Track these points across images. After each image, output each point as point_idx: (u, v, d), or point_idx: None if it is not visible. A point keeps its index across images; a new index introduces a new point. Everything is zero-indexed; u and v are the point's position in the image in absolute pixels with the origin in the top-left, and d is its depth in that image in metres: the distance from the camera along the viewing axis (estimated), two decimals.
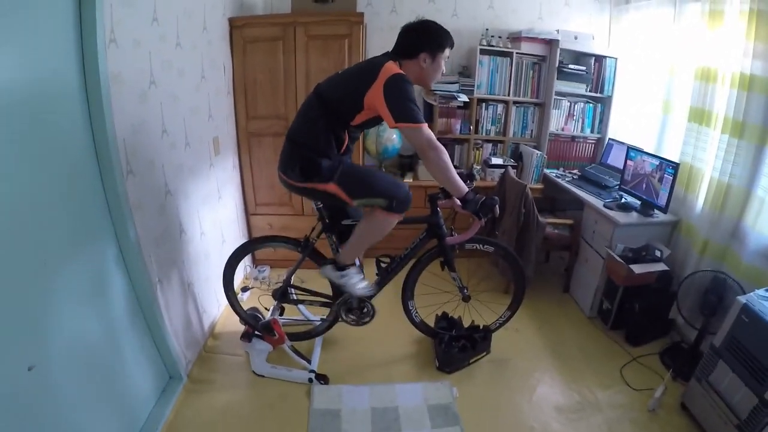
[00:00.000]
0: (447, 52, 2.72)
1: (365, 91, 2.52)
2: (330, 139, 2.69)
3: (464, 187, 2.66)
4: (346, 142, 2.79)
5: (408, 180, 4.74)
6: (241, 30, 4.02)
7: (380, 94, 2.46)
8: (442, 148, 2.56)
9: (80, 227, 2.23)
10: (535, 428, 2.95)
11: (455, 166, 2.75)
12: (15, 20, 1.78)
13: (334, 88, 2.70)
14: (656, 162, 3.74)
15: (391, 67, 2.51)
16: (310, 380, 3.19)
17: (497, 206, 2.71)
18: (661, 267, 3.56)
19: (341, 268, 3.10)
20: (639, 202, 3.90)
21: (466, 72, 4.98)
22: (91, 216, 2.32)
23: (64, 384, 2.09)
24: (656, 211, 3.78)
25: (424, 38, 2.65)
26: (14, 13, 1.77)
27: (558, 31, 4.78)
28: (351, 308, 3.29)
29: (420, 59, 2.65)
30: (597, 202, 4.02)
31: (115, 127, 2.32)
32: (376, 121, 2.74)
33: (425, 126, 2.51)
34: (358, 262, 3.20)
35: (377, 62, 2.58)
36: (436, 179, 2.66)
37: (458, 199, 2.72)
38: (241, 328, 3.42)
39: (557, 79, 4.80)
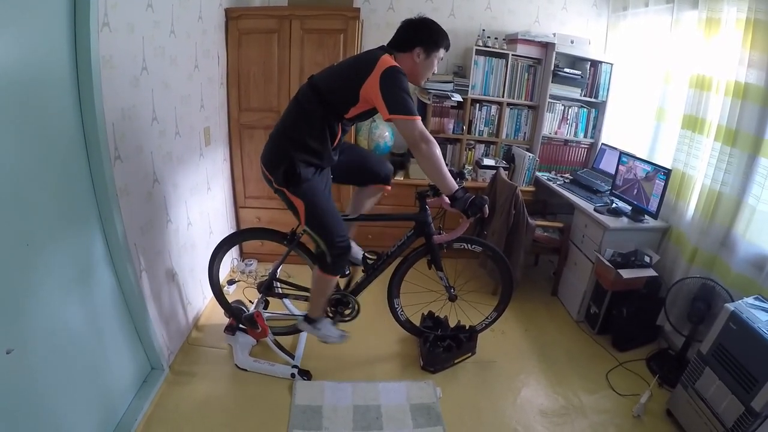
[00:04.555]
0: (441, 52, 2.71)
1: (361, 83, 2.50)
2: (324, 133, 2.66)
3: (454, 185, 2.64)
4: (339, 135, 2.77)
5: (399, 178, 4.71)
6: (236, 21, 3.99)
7: (376, 85, 2.44)
8: (435, 141, 2.54)
9: (65, 210, 2.19)
10: (519, 430, 2.94)
11: (446, 166, 2.73)
12: (9, 1, 1.74)
13: (329, 79, 2.67)
14: (648, 168, 3.73)
15: (388, 60, 2.49)
16: (293, 375, 3.17)
17: (486, 206, 2.68)
18: (649, 273, 3.56)
19: (313, 320, 3.17)
20: (629, 208, 3.90)
21: (461, 72, 4.97)
22: (76, 200, 2.28)
23: (43, 370, 2.05)
24: (647, 216, 3.78)
25: (421, 33, 2.64)
26: None
27: (554, 34, 4.77)
28: (336, 305, 3.26)
29: (414, 53, 2.63)
30: (587, 206, 4.01)
31: (104, 111, 2.29)
32: (369, 114, 2.73)
33: (419, 119, 2.49)
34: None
35: (374, 55, 2.55)
36: (427, 174, 2.64)
37: (447, 196, 2.69)
38: (225, 320, 3.40)
39: (552, 82, 4.80)
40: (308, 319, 3.17)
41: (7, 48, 1.76)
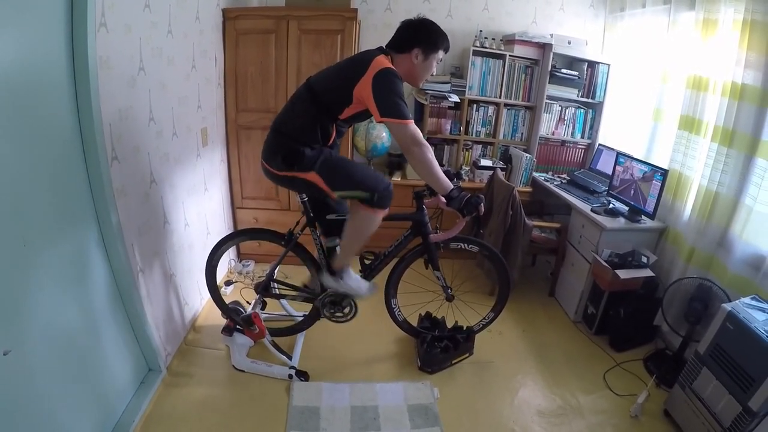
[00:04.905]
0: (440, 54, 2.71)
1: (354, 83, 2.50)
2: (316, 132, 2.66)
3: (449, 184, 2.64)
4: (333, 136, 2.76)
5: (396, 179, 4.72)
6: (234, 21, 3.99)
7: (368, 87, 2.44)
8: (427, 144, 2.53)
9: (63, 210, 2.19)
10: (516, 431, 2.94)
11: (443, 166, 2.73)
12: (5, 2, 1.74)
13: (324, 80, 2.67)
14: (645, 168, 3.74)
15: (382, 61, 2.49)
16: (290, 376, 3.16)
17: (482, 204, 2.69)
18: (647, 273, 3.57)
19: (338, 272, 3.08)
20: (626, 208, 3.91)
21: (458, 73, 4.98)
22: (73, 200, 2.27)
23: (40, 371, 2.04)
24: (644, 217, 3.79)
25: (420, 35, 2.64)
26: None
27: (552, 35, 4.77)
28: (333, 305, 3.25)
29: (412, 54, 2.63)
30: (585, 207, 4.02)
31: (101, 112, 2.28)
32: (365, 115, 2.72)
33: (411, 122, 2.48)
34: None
35: (368, 56, 2.55)
36: (420, 175, 2.64)
37: (443, 196, 2.70)
38: (223, 321, 3.40)
39: (549, 83, 4.81)
40: (332, 272, 3.09)
41: (4, 49, 1.76)
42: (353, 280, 3.12)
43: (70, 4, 2.07)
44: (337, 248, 3.11)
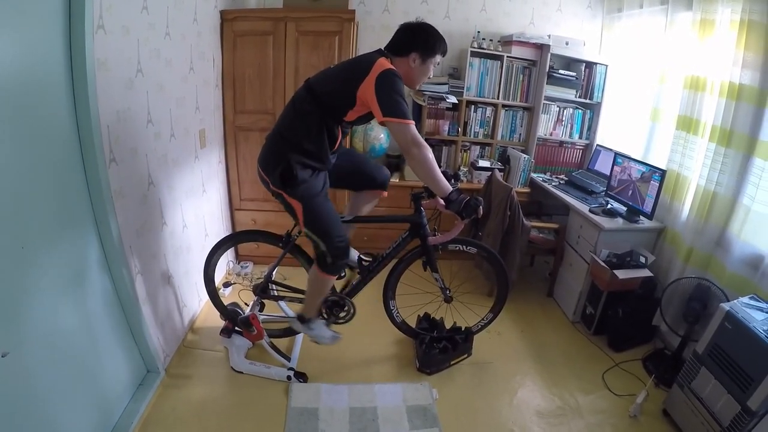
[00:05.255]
0: (438, 58, 2.71)
1: (358, 85, 2.49)
2: (322, 136, 2.65)
3: (448, 187, 2.63)
4: (339, 139, 2.76)
5: (394, 180, 4.71)
6: (232, 23, 3.99)
7: (372, 88, 2.44)
8: (427, 145, 2.53)
9: (60, 213, 2.19)
10: (515, 431, 2.94)
11: (440, 167, 2.73)
12: (3, 4, 1.74)
13: (325, 81, 2.66)
14: (643, 168, 3.74)
15: (384, 63, 2.49)
16: (289, 378, 3.16)
17: (481, 207, 2.68)
18: (645, 273, 3.57)
19: (306, 320, 3.16)
20: (625, 208, 3.91)
21: (456, 74, 4.97)
22: (72, 202, 2.27)
23: (38, 373, 2.04)
24: (642, 217, 3.79)
25: (418, 39, 2.63)
26: None
27: (549, 36, 4.78)
28: (331, 306, 3.25)
29: (410, 58, 2.63)
30: (583, 207, 4.02)
31: (99, 114, 2.28)
32: (370, 117, 2.71)
33: (412, 123, 2.47)
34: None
35: (370, 58, 2.56)
36: (420, 177, 2.63)
37: (442, 198, 2.69)
38: (221, 323, 3.40)
39: (547, 83, 4.80)
40: (301, 319, 3.16)
41: (2, 51, 1.75)
42: (318, 329, 3.20)
43: (67, 6, 2.07)
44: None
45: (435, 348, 3.37)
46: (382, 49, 2.70)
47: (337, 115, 2.64)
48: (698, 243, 3.41)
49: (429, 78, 2.79)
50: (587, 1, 5.01)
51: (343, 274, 3.28)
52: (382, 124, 2.50)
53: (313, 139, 2.64)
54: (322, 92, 2.61)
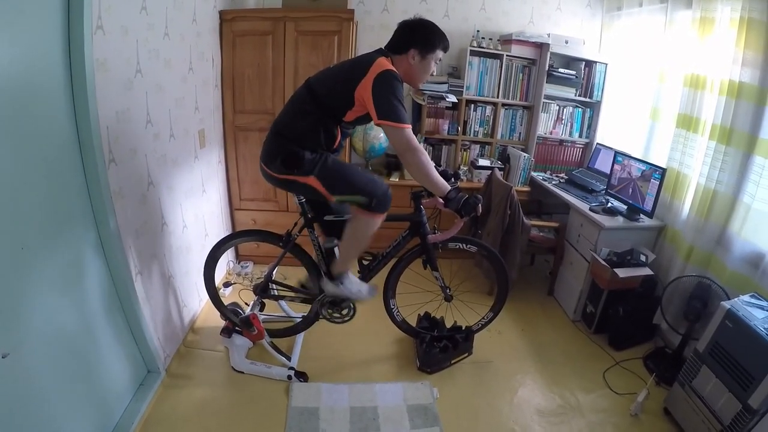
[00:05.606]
0: (439, 53, 2.68)
1: (356, 85, 2.49)
2: (319, 136, 2.65)
3: (446, 186, 2.63)
4: (338, 139, 2.76)
5: (394, 179, 4.72)
6: (231, 23, 3.99)
7: (369, 88, 2.44)
8: (421, 149, 2.53)
9: (60, 214, 2.19)
10: (516, 430, 2.94)
11: (440, 167, 2.72)
12: (2, 4, 1.74)
13: (325, 81, 2.66)
14: (643, 167, 3.74)
15: (383, 63, 2.49)
16: (290, 377, 3.16)
17: (480, 205, 2.68)
18: (645, 271, 3.57)
19: (338, 277, 3.08)
20: (625, 207, 3.91)
21: (455, 73, 4.97)
22: (71, 203, 2.27)
23: (39, 374, 2.04)
24: (642, 215, 3.79)
25: (416, 35, 2.62)
26: None
27: (549, 35, 4.78)
28: (332, 306, 3.25)
29: (409, 56, 2.62)
30: (583, 206, 4.02)
31: (98, 114, 2.28)
32: (369, 118, 2.68)
33: (408, 127, 2.47)
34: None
35: (369, 57, 2.55)
36: (416, 180, 2.64)
37: (441, 197, 2.69)
38: (222, 323, 3.40)
39: (547, 82, 4.80)
40: (332, 277, 3.09)
41: (1, 51, 1.75)
42: (354, 284, 3.12)
43: (66, 6, 2.06)
44: (336, 252, 3.11)
45: (435, 347, 3.36)
46: (383, 48, 2.69)
47: (337, 115, 2.64)
48: (699, 241, 3.41)
49: (432, 74, 2.77)
50: None
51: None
52: (377, 125, 2.49)
53: (311, 138, 2.65)
54: (322, 92, 2.60)
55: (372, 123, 2.60)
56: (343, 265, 3.06)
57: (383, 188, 2.74)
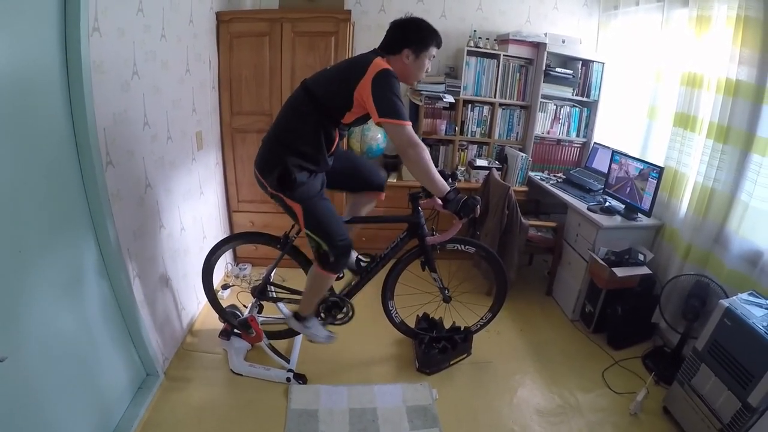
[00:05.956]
0: (432, 51, 2.67)
1: (354, 86, 2.48)
2: (320, 138, 2.63)
3: (445, 187, 2.62)
4: (336, 141, 2.75)
5: (392, 180, 4.71)
6: (228, 24, 3.98)
7: (368, 88, 2.43)
8: (423, 146, 2.52)
9: (57, 216, 2.18)
10: (515, 431, 2.94)
11: (438, 167, 2.72)
12: None
13: (322, 83, 2.64)
14: (641, 166, 3.74)
15: (380, 63, 2.48)
16: (288, 380, 3.15)
17: (478, 206, 2.68)
18: (644, 270, 3.57)
19: (302, 318, 3.15)
20: (623, 206, 3.91)
21: (452, 73, 4.97)
22: (68, 206, 2.26)
23: (37, 378, 2.03)
24: (640, 214, 3.79)
25: (408, 35, 2.61)
26: None
27: (546, 34, 4.77)
28: (330, 307, 3.25)
29: (403, 55, 2.60)
30: (581, 205, 4.02)
31: (95, 116, 2.28)
32: (367, 118, 2.69)
33: (409, 124, 2.46)
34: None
35: (366, 58, 2.54)
36: (417, 178, 2.63)
37: (439, 198, 2.68)
38: (220, 325, 3.40)
39: (544, 82, 4.80)
40: (298, 317, 3.15)
41: None
42: (314, 328, 3.18)
43: (63, 8, 2.06)
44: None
45: (434, 348, 3.36)
46: (377, 49, 2.69)
47: (335, 117, 2.63)
48: (697, 240, 3.41)
49: (427, 71, 2.75)
50: None
51: (341, 275, 3.27)
52: (378, 124, 2.48)
53: (310, 142, 2.63)
54: (320, 94, 2.59)
55: (369, 124, 2.60)
56: (305, 309, 3.14)
57: (344, 251, 2.82)
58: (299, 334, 3.43)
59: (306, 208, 2.72)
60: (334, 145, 2.76)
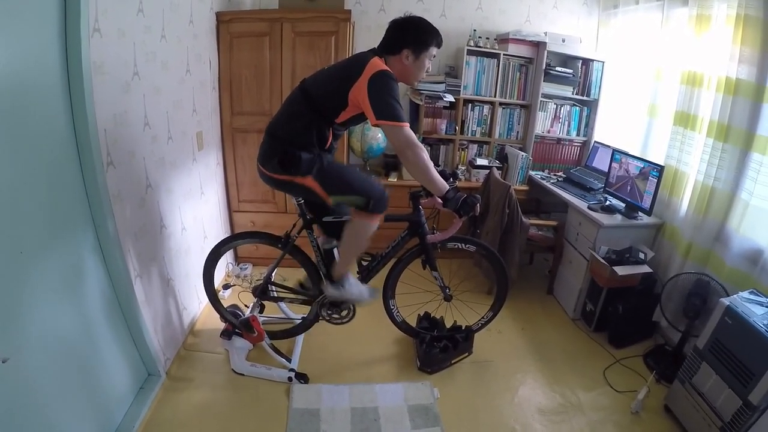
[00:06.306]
0: (433, 50, 2.66)
1: (350, 87, 2.48)
2: (312, 136, 2.63)
3: (445, 186, 2.63)
4: (329, 140, 2.74)
5: (392, 179, 4.72)
6: (228, 25, 3.98)
7: (364, 90, 2.42)
8: (421, 146, 2.53)
9: (59, 217, 2.18)
10: (517, 429, 2.94)
11: (438, 167, 2.72)
12: None
13: (319, 83, 2.65)
14: (641, 164, 3.75)
15: (377, 63, 2.47)
16: (290, 379, 3.16)
17: (478, 205, 2.68)
18: (644, 269, 3.57)
19: (338, 281, 3.09)
20: (623, 205, 3.91)
21: (452, 72, 4.97)
22: (70, 207, 2.27)
23: (39, 379, 2.03)
24: (640, 213, 3.79)
25: (408, 34, 2.60)
26: None
27: (546, 33, 4.78)
28: (331, 307, 3.25)
29: (402, 55, 2.60)
30: (581, 204, 4.02)
31: (96, 117, 2.28)
32: (361, 118, 2.69)
33: (406, 125, 2.46)
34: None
35: (363, 58, 2.53)
36: (416, 178, 2.63)
37: (439, 197, 2.69)
38: (221, 325, 3.40)
39: (544, 81, 4.80)
40: (334, 281, 3.10)
41: None
42: (355, 286, 3.12)
43: (63, 9, 2.06)
44: (335, 253, 3.11)
45: (435, 347, 3.36)
46: (376, 48, 2.68)
47: (329, 116, 2.63)
48: (697, 238, 3.41)
49: (428, 71, 2.75)
50: None
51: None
52: (375, 126, 2.49)
53: (304, 139, 2.64)
54: (317, 94, 2.60)
55: (370, 123, 2.59)
56: (343, 268, 3.06)
57: (380, 189, 2.76)
58: (300, 334, 3.43)
59: (321, 178, 2.69)
60: (328, 144, 2.75)
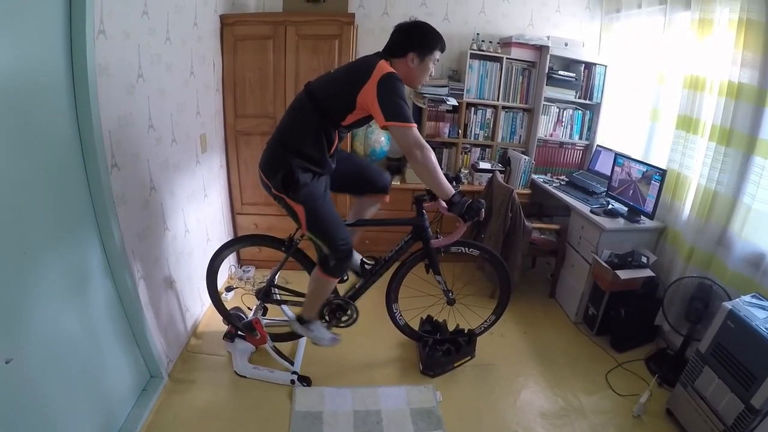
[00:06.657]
0: (436, 54, 2.68)
1: (359, 90, 2.48)
2: (321, 140, 2.64)
3: (451, 189, 2.63)
4: (336, 143, 2.76)
5: (395, 183, 4.71)
6: (232, 27, 3.99)
7: (373, 92, 2.43)
8: (429, 148, 2.53)
9: (63, 218, 2.19)
10: None
11: (441, 170, 2.72)
12: (3, 9, 1.74)
13: (326, 86, 2.66)
14: (644, 168, 3.75)
15: (384, 66, 2.48)
16: (293, 382, 3.16)
17: (483, 209, 2.68)
18: (647, 273, 3.57)
19: (305, 322, 3.16)
20: (626, 209, 3.91)
21: (455, 76, 4.98)
22: (74, 208, 2.28)
23: (41, 379, 2.04)
24: (643, 217, 3.79)
25: (413, 39, 2.61)
26: (3, 2, 1.74)
27: (548, 37, 4.78)
28: (334, 310, 3.25)
29: (408, 59, 2.61)
30: (584, 208, 4.02)
31: (101, 119, 2.29)
32: (366, 120, 2.71)
33: (414, 126, 2.47)
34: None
35: (370, 61, 2.54)
36: (423, 180, 2.63)
37: (444, 201, 2.69)
38: (224, 327, 3.40)
39: (546, 85, 4.80)
40: (301, 321, 3.16)
41: (2, 56, 1.76)
42: (317, 331, 3.20)
43: (68, 11, 2.07)
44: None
45: (438, 350, 3.37)
46: (381, 51, 2.69)
47: (336, 119, 2.64)
48: (700, 242, 3.41)
49: (431, 75, 2.76)
50: (585, 1, 5.02)
51: (345, 278, 3.28)
52: (384, 128, 2.49)
53: (313, 144, 2.64)
54: (322, 97, 2.61)
55: (373, 126, 2.60)
56: (308, 313, 3.15)
57: (345, 252, 2.82)
58: (303, 336, 3.44)
59: (308, 210, 2.72)
60: (334, 147, 2.77)
